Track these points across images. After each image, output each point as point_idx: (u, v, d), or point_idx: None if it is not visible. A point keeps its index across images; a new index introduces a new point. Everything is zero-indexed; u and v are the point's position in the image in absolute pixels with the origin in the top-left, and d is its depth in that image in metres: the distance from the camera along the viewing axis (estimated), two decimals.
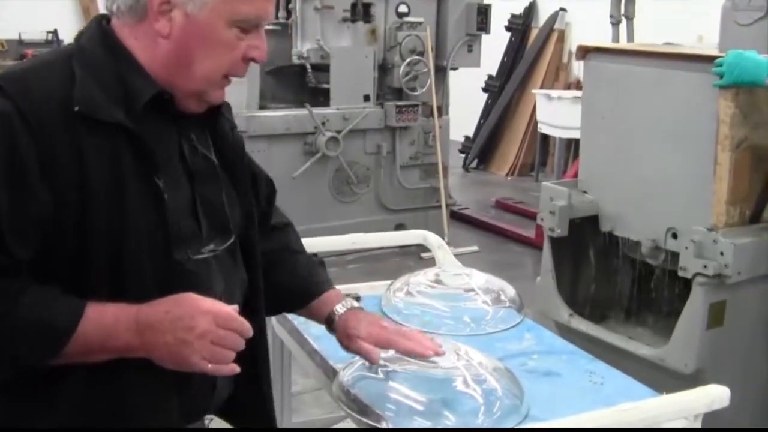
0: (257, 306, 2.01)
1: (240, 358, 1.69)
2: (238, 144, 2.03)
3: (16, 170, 1.58)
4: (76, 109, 1.62)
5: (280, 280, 2.17)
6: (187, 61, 1.73)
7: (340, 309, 2.13)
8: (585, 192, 4.11)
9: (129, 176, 1.66)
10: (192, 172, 1.83)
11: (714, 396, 1.90)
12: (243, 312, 1.77)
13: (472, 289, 2.61)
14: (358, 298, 2.68)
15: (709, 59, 3.51)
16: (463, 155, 11.24)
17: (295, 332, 2.54)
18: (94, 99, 1.65)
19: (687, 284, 3.67)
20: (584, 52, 4.21)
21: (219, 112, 1.93)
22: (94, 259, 1.65)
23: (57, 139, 1.60)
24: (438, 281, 2.64)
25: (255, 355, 1.94)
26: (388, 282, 2.79)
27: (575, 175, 4.38)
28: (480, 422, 1.85)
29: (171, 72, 1.75)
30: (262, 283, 2.03)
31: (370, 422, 1.90)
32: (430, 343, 2.02)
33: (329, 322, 2.13)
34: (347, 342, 2.06)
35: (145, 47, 1.74)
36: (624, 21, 6.02)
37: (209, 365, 1.64)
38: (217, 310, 1.65)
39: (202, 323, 1.62)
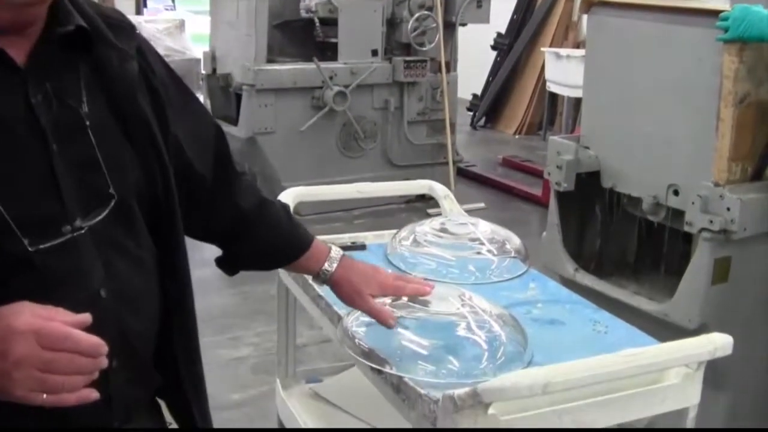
0: (181, 283, 1.70)
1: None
2: (128, 82, 1.59)
3: None
4: None
5: (263, 237, 1.94)
6: None
7: (332, 263, 1.97)
8: (587, 147, 4.10)
9: None
10: (44, 132, 1.43)
11: (717, 344, 1.90)
12: (162, 292, 1.59)
13: (478, 239, 2.61)
14: (363, 246, 2.70)
15: (715, 14, 3.48)
16: (471, 113, 11.21)
17: (299, 278, 2.54)
18: None
19: (689, 240, 3.67)
20: (588, 5, 4.18)
21: (89, 42, 1.51)
22: None
23: None
24: (444, 230, 2.64)
25: (182, 345, 1.71)
26: (394, 231, 2.79)
27: None
28: (483, 367, 1.86)
29: None
30: (182, 249, 1.69)
31: (374, 366, 1.91)
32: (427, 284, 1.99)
33: (322, 277, 1.99)
34: (353, 299, 1.96)
35: None
36: None
37: (43, 396, 1.26)
38: (38, 328, 1.26)
39: (17, 348, 1.25)
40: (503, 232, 2.70)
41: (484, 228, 2.67)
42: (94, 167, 1.48)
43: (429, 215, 6.24)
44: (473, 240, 2.60)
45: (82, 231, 1.44)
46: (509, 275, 2.51)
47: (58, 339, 1.25)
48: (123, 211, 1.53)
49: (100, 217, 1.47)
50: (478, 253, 2.57)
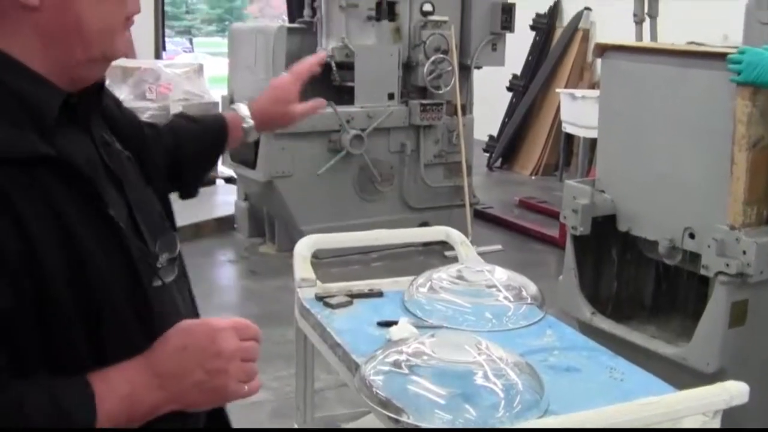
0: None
1: None
2: (133, 120, 1.76)
3: None
4: None
5: (194, 146, 2.13)
6: (76, 22, 1.38)
7: (247, 120, 2.22)
8: (602, 191, 4.12)
9: (73, 214, 1.35)
10: (119, 179, 1.52)
11: (733, 392, 1.90)
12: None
13: (494, 286, 2.62)
14: (380, 293, 2.71)
15: (725, 56, 3.51)
16: (487, 154, 11.26)
17: (318, 326, 2.56)
18: (4, 132, 1.30)
19: (706, 282, 3.67)
20: (602, 49, 4.22)
21: (103, 88, 1.59)
22: (64, 321, 1.34)
23: None
24: (460, 277, 2.65)
25: None
26: (411, 278, 2.81)
27: None
28: (500, 416, 1.86)
29: (61, 51, 1.40)
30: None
31: (391, 415, 1.92)
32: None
33: (248, 130, 2.23)
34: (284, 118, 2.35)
35: (17, 36, 1.37)
36: (647, 20, 6.02)
37: (245, 387, 1.42)
38: (234, 323, 1.43)
39: (228, 343, 1.39)
40: (519, 279, 2.70)
41: (501, 274, 2.68)
42: (155, 206, 1.64)
43: (446, 258, 6.26)
44: (490, 287, 2.61)
45: (175, 262, 1.62)
46: (526, 322, 2.52)
47: (248, 329, 1.43)
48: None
49: (178, 250, 1.63)
50: (495, 299, 2.57)
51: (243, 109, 2.23)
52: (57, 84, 1.40)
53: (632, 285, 4.29)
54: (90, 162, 1.45)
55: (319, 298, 2.65)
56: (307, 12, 7.70)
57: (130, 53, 1.67)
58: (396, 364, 2.02)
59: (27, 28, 1.36)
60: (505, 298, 2.59)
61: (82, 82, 1.46)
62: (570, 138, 10.21)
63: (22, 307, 1.28)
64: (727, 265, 3.47)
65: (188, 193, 2.20)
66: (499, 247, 7.49)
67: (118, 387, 1.34)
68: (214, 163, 2.34)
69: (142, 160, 1.68)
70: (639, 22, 5.98)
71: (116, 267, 1.40)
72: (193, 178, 2.19)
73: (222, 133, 2.18)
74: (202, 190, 7.42)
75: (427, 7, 7.36)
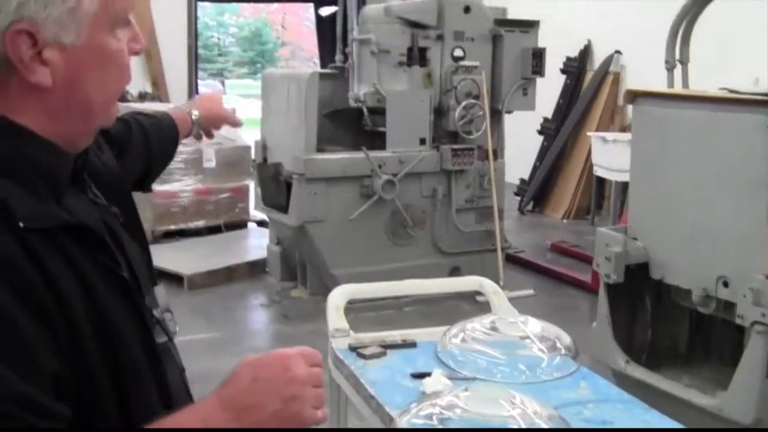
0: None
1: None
2: (114, 171, 1.73)
3: (11, 336, 1.23)
4: (22, 225, 1.27)
5: (157, 143, 2.26)
6: (83, 100, 1.40)
7: (195, 111, 2.45)
8: (634, 239, 4.10)
9: (91, 274, 1.36)
10: (119, 238, 1.54)
11: None
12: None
13: (528, 337, 2.62)
14: (413, 344, 2.71)
15: (759, 102, 3.50)
16: (519, 197, 11.25)
17: (351, 377, 2.56)
18: (32, 205, 1.31)
19: (742, 331, 3.64)
20: (633, 96, 4.22)
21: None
22: (96, 378, 1.34)
23: (27, 268, 1.26)
24: (494, 328, 2.65)
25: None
26: (444, 327, 2.80)
27: None
28: None
29: (67, 125, 1.41)
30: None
31: None
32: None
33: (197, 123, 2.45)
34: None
35: (29, 109, 1.37)
36: (679, 66, 6.02)
37: (318, 412, 1.45)
38: (301, 350, 1.47)
39: (300, 369, 1.42)
40: (553, 329, 2.70)
41: (534, 325, 2.67)
42: (144, 261, 1.65)
43: (477, 302, 6.25)
44: (523, 338, 2.61)
45: (163, 312, 1.63)
46: (559, 374, 2.51)
47: (314, 356, 1.48)
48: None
49: (167, 299, 1.66)
50: (529, 351, 2.57)
51: (189, 108, 2.47)
52: (62, 149, 1.41)
53: (666, 333, 4.26)
54: (97, 222, 1.46)
55: (353, 349, 2.65)
56: (339, 57, 7.77)
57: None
58: (430, 417, 2.02)
59: (35, 105, 1.36)
60: (539, 349, 2.58)
61: (79, 149, 1.48)
62: (601, 181, 10.20)
63: (62, 363, 1.29)
64: (763, 314, 3.44)
65: (147, 187, 2.32)
66: (531, 291, 7.46)
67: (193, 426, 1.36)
68: (172, 158, 2.47)
69: (123, 209, 1.66)
70: (670, 69, 5.97)
71: (131, 325, 1.43)
72: (155, 173, 2.34)
73: (174, 126, 2.37)
74: (235, 234, 7.51)
75: (458, 53, 7.40)
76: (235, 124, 2.67)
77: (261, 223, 9.05)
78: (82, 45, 1.35)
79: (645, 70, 9.74)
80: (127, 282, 1.43)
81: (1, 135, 1.34)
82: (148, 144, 2.20)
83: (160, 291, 1.66)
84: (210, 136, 2.57)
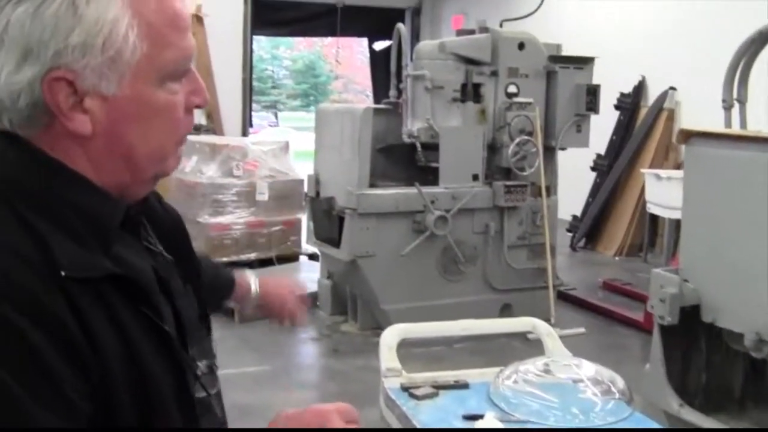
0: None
1: None
2: (175, 219, 1.70)
3: (47, 381, 1.22)
4: (63, 274, 1.25)
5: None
6: (126, 150, 1.37)
7: (256, 289, 2.28)
8: (686, 280, 4.05)
9: (130, 325, 1.33)
10: (169, 288, 1.49)
11: None
12: None
13: (581, 380, 2.61)
14: (466, 385, 2.71)
15: None
16: (571, 234, 11.19)
17: (403, 417, 2.56)
18: (76, 253, 1.28)
19: None
20: (686, 136, 4.19)
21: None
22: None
23: (63, 315, 1.24)
24: (547, 371, 2.64)
25: None
26: (497, 369, 2.80)
27: None
28: None
29: (112, 175, 1.38)
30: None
31: None
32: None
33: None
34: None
35: (75, 155, 1.35)
36: (736, 105, 5.97)
37: None
38: (337, 407, 1.48)
39: (336, 426, 1.45)
40: (607, 373, 2.68)
41: (588, 368, 2.66)
42: (191, 310, 1.59)
43: (528, 340, 6.21)
44: (576, 381, 2.60)
45: (211, 369, 1.61)
46: (613, 418, 2.49)
47: (350, 412, 1.48)
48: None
49: (215, 356, 1.63)
50: (582, 394, 2.55)
51: (252, 278, 2.32)
52: (113, 196, 1.39)
53: (721, 375, 4.20)
54: (145, 272, 1.42)
55: (405, 389, 2.66)
56: (392, 93, 7.79)
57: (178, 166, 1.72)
58: None
59: (80, 151, 1.34)
60: (593, 393, 2.57)
61: (133, 199, 1.46)
62: (655, 219, 10.11)
63: (95, 413, 1.28)
64: None
65: None
66: (582, 330, 7.40)
67: None
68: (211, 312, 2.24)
69: (181, 257, 1.64)
70: (728, 108, 5.93)
71: (169, 379, 1.38)
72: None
73: (230, 287, 2.25)
74: (286, 267, 7.51)
75: (512, 89, 7.41)
76: (294, 315, 2.41)
77: (312, 257, 9.08)
78: (123, 96, 1.32)
79: (700, 107, 9.70)
80: (167, 335, 1.38)
81: (50, 178, 1.32)
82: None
83: (208, 342, 1.64)
84: (265, 316, 2.42)
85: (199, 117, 12.94)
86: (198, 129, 12.43)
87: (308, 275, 8.58)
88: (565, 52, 7.86)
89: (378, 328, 6.35)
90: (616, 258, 10.72)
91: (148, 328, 1.36)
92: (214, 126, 13.26)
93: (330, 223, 7.29)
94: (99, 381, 1.27)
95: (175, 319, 1.46)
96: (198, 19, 12.76)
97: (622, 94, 11.21)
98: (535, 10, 8.97)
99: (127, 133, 1.35)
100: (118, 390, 1.29)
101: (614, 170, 11.00)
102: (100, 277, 1.29)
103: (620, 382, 2.66)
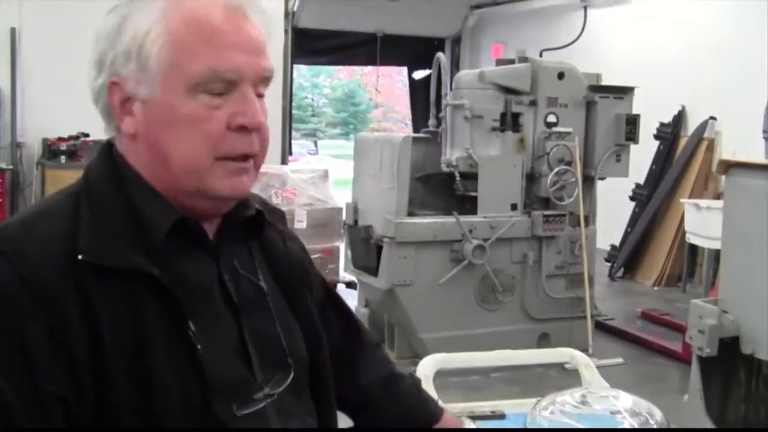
0: None
1: None
2: (294, 260, 1.78)
3: (25, 354, 1.32)
4: (80, 257, 1.38)
5: (393, 411, 2.01)
6: (161, 155, 1.47)
7: None
8: (725, 311, 4.03)
9: (153, 328, 1.41)
10: (236, 305, 1.58)
11: None
12: None
13: (619, 411, 2.60)
14: (503, 416, 2.71)
15: None
16: (609, 264, 11.14)
17: None
18: (103, 243, 1.41)
19: None
20: (726, 166, 4.17)
21: (261, 225, 1.70)
22: (114, 421, 1.37)
23: (66, 302, 1.36)
24: (584, 402, 2.63)
25: None
26: (533, 399, 2.79)
27: None
28: None
29: (161, 179, 1.50)
30: (335, 415, 1.82)
31: None
32: None
33: None
34: None
35: (131, 154, 1.52)
36: None
37: None
38: None
39: None
40: (644, 404, 2.66)
41: (625, 400, 2.65)
42: (274, 339, 1.63)
43: (565, 370, 6.18)
44: (614, 413, 2.59)
45: (273, 398, 1.56)
46: None
47: None
48: (297, 380, 1.65)
49: (284, 386, 1.60)
50: (619, 426, 2.55)
51: (467, 424, 2.21)
52: (174, 205, 1.51)
53: (761, 407, 4.16)
54: (200, 282, 1.53)
55: None
56: (432, 122, 7.82)
57: (239, 192, 1.67)
58: None
59: (135, 153, 1.51)
60: (630, 425, 2.56)
61: (195, 211, 1.54)
62: (694, 249, 10.03)
63: (82, 406, 1.36)
64: None
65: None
66: (620, 360, 7.35)
67: None
68: None
69: (290, 295, 1.74)
70: None
71: (187, 387, 1.43)
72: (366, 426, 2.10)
73: (428, 421, 2.08)
74: None
75: (552, 119, 7.42)
76: None
77: (350, 285, 9.10)
78: (156, 101, 1.46)
79: (741, 137, 9.69)
80: (191, 342, 1.44)
81: (113, 179, 1.51)
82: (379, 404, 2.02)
83: (280, 375, 1.63)
84: None
85: None
86: None
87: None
88: (604, 82, 7.86)
89: (415, 356, 6.35)
90: (655, 288, 10.65)
91: (174, 334, 1.44)
92: None
93: (368, 252, 7.31)
94: (91, 361, 1.36)
95: (241, 340, 1.56)
96: None
97: (662, 124, 11.17)
98: (575, 40, 9.00)
99: (160, 137, 1.47)
100: (115, 377, 1.36)
101: (653, 200, 10.95)
102: (125, 269, 1.40)
103: (658, 414, 2.64)
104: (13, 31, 10.48)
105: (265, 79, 1.55)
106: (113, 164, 1.53)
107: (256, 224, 1.69)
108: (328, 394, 1.78)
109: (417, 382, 2.13)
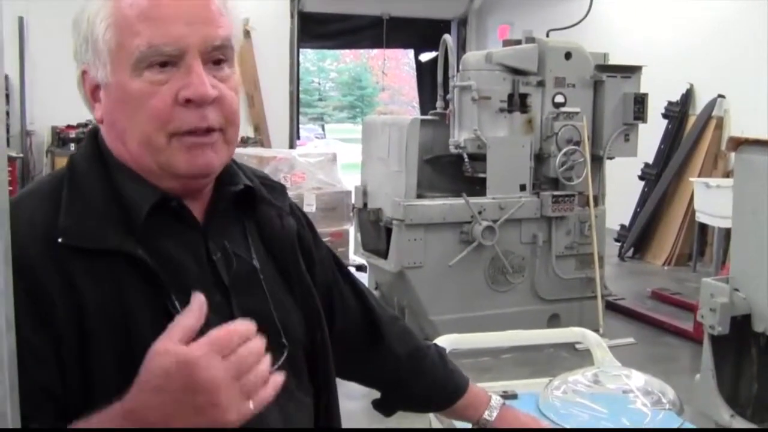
0: (331, 419, 1.77)
1: None
2: (289, 236, 1.73)
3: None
4: (60, 240, 1.39)
5: (420, 386, 2.03)
6: (121, 135, 1.49)
7: (492, 412, 2.06)
8: (737, 289, 4.01)
9: (136, 305, 1.41)
10: (225, 284, 1.56)
11: None
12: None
13: (632, 391, 2.60)
14: (515, 396, 2.71)
15: None
16: (619, 244, 11.13)
17: (452, 428, 2.56)
18: (81, 225, 1.42)
19: None
20: (736, 143, 4.14)
21: (254, 201, 1.67)
22: (104, 402, 1.32)
23: (48, 280, 1.37)
24: (597, 381, 2.63)
25: None
26: (545, 379, 2.79)
27: None
28: None
29: (130, 160, 1.51)
30: (335, 394, 1.78)
31: None
32: None
33: (481, 424, 2.06)
34: None
35: (110, 141, 1.54)
36: None
37: (250, 404, 1.28)
38: (210, 341, 1.26)
39: (208, 373, 1.24)
40: (657, 383, 2.67)
41: (638, 379, 2.65)
42: (267, 319, 1.58)
43: (576, 350, 6.19)
44: (626, 392, 2.59)
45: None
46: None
47: (229, 341, 1.27)
48: (292, 359, 1.63)
49: (277, 365, 1.50)
50: (632, 405, 2.54)
51: (496, 400, 2.12)
52: (158, 185, 1.51)
53: None
54: (185, 260, 1.51)
55: None
56: (439, 104, 7.79)
57: (199, 167, 1.49)
58: None
59: (106, 138, 1.54)
60: (643, 404, 2.56)
61: (174, 191, 1.53)
62: (704, 227, 10.02)
63: (68, 387, 1.37)
64: None
65: (382, 409, 2.11)
66: (631, 340, 7.35)
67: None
68: (420, 411, 2.21)
69: (285, 272, 1.70)
70: None
71: None
72: (395, 407, 2.11)
73: (456, 394, 2.06)
74: None
75: (559, 99, 7.38)
76: None
77: (360, 268, 9.10)
78: (110, 84, 1.47)
79: (749, 114, 9.65)
80: (171, 316, 1.36)
81: (102, 160, 1.53)
82: (408, 374, 2.02)
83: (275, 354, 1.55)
84: None
85: (247, 129, 13.06)
86: (245, 141, 12.55)
87: None
88: (612, 61, 7.82)
89: (426, 339, 6.33)
90: (665, 267, 10.64)
91: (160, 312, 1.42)
92: (261, 138, 13.37)
93: (377, 234, 7.31)
94: (76, 342, 1.37)
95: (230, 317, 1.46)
96: (245, 33, 12.87)
97: (670, 103, 11.14)
98: (582, 20, 8.93)
99: (118, 119, 1.49)
100: (99, 352, 1.38)
101: (662, 179, 10.93)
102: (104, 249, 1.41)
103: (670, 393, 2.64)
104: (20, 20, 10.49)
105: (219, 48, 1.50)
106: (97, 148, 1.54)
107: (248, 200, 1.66)
108: (327, 373, 1.74)
109: (442, 352, 2.12)
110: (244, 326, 1.30)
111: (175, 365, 1.24)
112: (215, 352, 1.25)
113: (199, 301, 1.31)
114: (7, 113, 10.35)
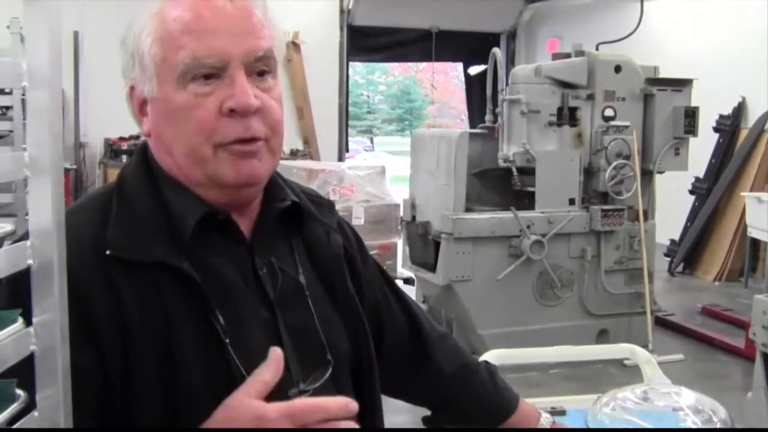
0: None
1: None
2: (334, 253, 1.73)
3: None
4: (108, 252, 1.41)
5: (468, 404, 2.00)
6: (167, 149, 1.52)
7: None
8: None
9: (179, 318, 1.42)
10: (271, 299, 1.56)
11: None
12: None
13: (681, 408, 2.57)
14: (563, 412, 2.69)
15: None
16: (669, 259, 11.04)
17: None
18: (130, 238, 1.44)
19: None
20: None
21: (301, 218, 1.67)
22: (146, 416, 1.39)
23: (94, 292, 1.38)
24: (646, 398, 2.61)
25: None
26: (594, 396, 2.77)
27: None
28: None
29: (178, 173, 1.53)
30: (380, 411, 1.77)
31: None
32: None
33: None
34: None
35: (159, 156, 1.56)
36: None
37: None
38: (287, 409, 1.31)
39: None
40: (707, 401, 2.64)
41: (688, 397, 2.62)
42: (313, 335, 1.60)
43: (625, 366, 6.14)
44: (676, 410, 2.56)
45: (308, 394, 1.52)
46: None
47: (303, 414, 1.30)
48: (337, 376, 1.62)
49: (320, 382, 1.56)
50: (682, 423, 2.52)
51: (546, 418, 2.15)
52: (206, 198, 1.52)
53: None
54: (231, 275, 1.52)
55: None
56: (488, 117, 7.80)
57: (247, 176, 1.52)
58: None
59: (155, 151, 1.56)
60: (693, 422, 2.53)
61: (222, 205, 1.53)
62: (756, 243, 9.91)
63: (110, 399, 1.37)
64: None
65: (431, 424, 2.08)
66: (680, 356, 7.28)
67: None
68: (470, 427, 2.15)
69: (331, 288, 1.70)
70: None
71: (211, 376, 1.42)
72: (444, 422, 2.08)
73: (506, 411, 2.05)
74: None
75: (609, 113, 7.35)
76: None
77: (408, 281, 9.10)
78: (156, 97, 1.50)
79: None
80: (218, 335, 1.44)
81: (142, 175, 1.55)
82: (455, 392, 2.00)
83: (317, 372, 1.59)
84: None
85: (296, 142, 13.13)
86: (295, 154, 12.61)
87: None
88: (662, 74, 7.77)
89: (474, 353, 6.31)
90: (716, 283, 10.53)
91: (202, 326, 1.44)
92: (310, 151, 13.44)
93: (426, 248, 7.32)
94: (121, 358, 1.38)
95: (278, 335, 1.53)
96: (295, 45, 12.96)
97: (722, 116, 11.04)
98: (632, 33, 8.92)
99: (165, 132, 1.51)
100: (143, 370, 1.38)
101: (714, 193, 10.82)
102: (150, 262, 1.42)
103: (722, 411, 2.61)
104: (76, 34, 10.64)
105: (261, 59, 1.51)
106: (146, 162, 1.56)
107: (296, 217, 1.66)
108: (372, 390, 1.74)
109: (493, 369, 2.09)
110: (335, 402, 1.34)
111: (249, 420, 1.30)
112: (288, 418, 1.29)
113: (276, 356, 1.35)
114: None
